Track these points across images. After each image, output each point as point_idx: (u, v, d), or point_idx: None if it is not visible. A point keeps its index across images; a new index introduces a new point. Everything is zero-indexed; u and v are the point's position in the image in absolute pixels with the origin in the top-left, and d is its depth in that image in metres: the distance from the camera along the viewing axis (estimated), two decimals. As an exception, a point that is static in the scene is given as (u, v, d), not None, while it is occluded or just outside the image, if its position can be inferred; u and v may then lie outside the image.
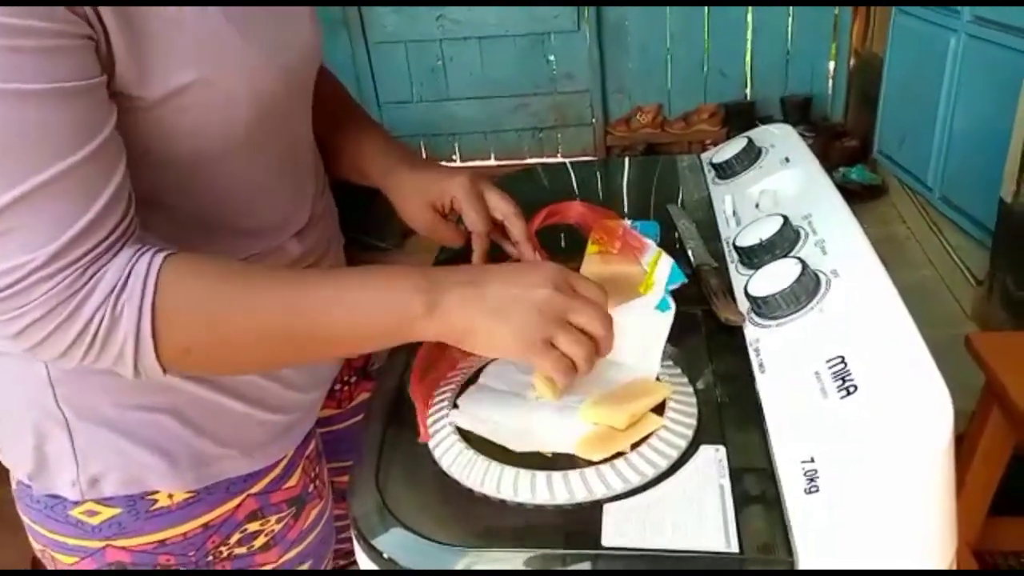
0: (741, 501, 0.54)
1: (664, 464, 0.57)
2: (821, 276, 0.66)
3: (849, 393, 0.54)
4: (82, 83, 0.49)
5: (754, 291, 0.68)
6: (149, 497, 0.65)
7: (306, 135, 0.74)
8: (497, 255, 0.79)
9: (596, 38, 3.61)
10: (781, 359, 0.63)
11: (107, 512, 0.65)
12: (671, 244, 0.86)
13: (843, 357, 0.57)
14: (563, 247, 0.86)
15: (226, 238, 0.64)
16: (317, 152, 0.78)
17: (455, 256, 0.83)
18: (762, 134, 0.99)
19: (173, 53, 0.53)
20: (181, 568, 0.67)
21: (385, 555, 0.54)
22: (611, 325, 0.59)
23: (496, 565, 0.53)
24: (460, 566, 0.53)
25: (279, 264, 0.68)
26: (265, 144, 0.64)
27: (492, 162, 3.94)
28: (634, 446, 0.59)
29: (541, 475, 0.57)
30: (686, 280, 0.73)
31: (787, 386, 0.60)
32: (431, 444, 0.62)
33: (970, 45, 2.44)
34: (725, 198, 0.90)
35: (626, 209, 1.02)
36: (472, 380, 0.68)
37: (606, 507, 0.55)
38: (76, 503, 0.64)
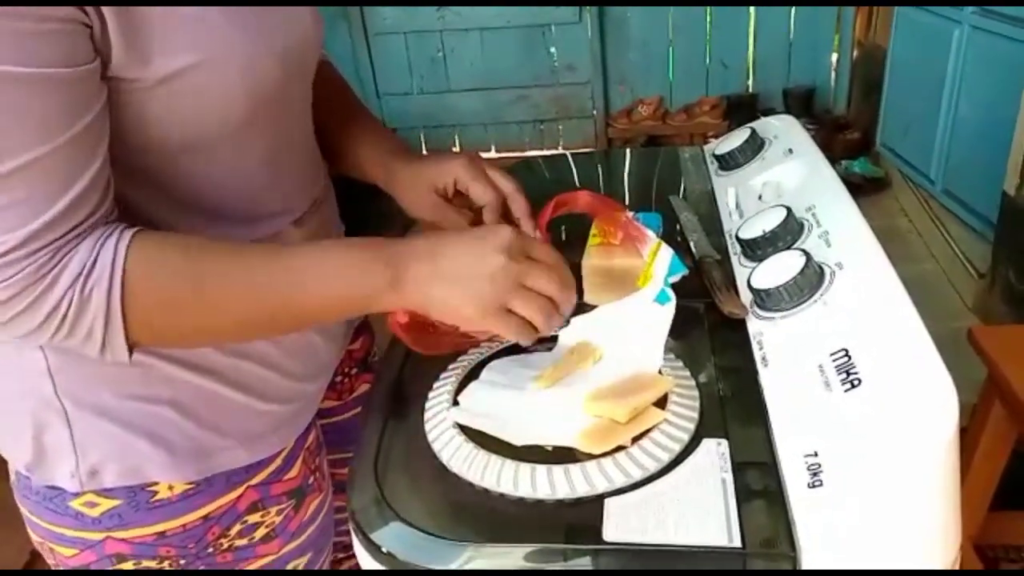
0: (744, 495, 0.53)
1: (666, 458, 0.57)
2: (825, 268, 0.65)
3: (853, 386, 0.54)
4: (69, 70, 0.48)
5: (757, 284, 0.67)
6: (149, 488, 0.65)
7: (305, 122, 0.73)
8: None
9: (597, 30, 3.59)
10: (784, 352, 0.62)
11: (107, 503, 0.64)
12: (673, 236, 0.85)
13: (847, 350, 0.57)
14: (565, 239, 0.85)
15: (225, 224, 0.64)
16: (314, 138, 0.77)
17: None
18: (765, 125, 0.99)
19: (170, 37, 0.53)
20: (181, 559, 0.67)
21: (384, 549, 0.54)
22: (569, 283, 0.61)
23: (496, 560, 0.52)
24: (460, 561, 0.52)
25: None
26: (264, 130, 0.64)
27: (493, 154, 3.93)
28: (635, 440, 0.58)
29: (542, 469, 0.56)
30: (687, 271, 0.72)
31: (790, 379, 0.60)
32: (431, 438, 0.61)
33: (974, 37, 2.42)
34: (728, 190, 0.89)
35: (627, 201, 1.01)
36: (473, 375, 0.68)
37: (607, 501, 0.54)
38: (76, 494, 0.64)
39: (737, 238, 0.77)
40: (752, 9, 3.56)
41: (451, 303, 0.59)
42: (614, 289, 0.72)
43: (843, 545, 0.50)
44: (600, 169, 1.22)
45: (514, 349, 0.70)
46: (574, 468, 0.56)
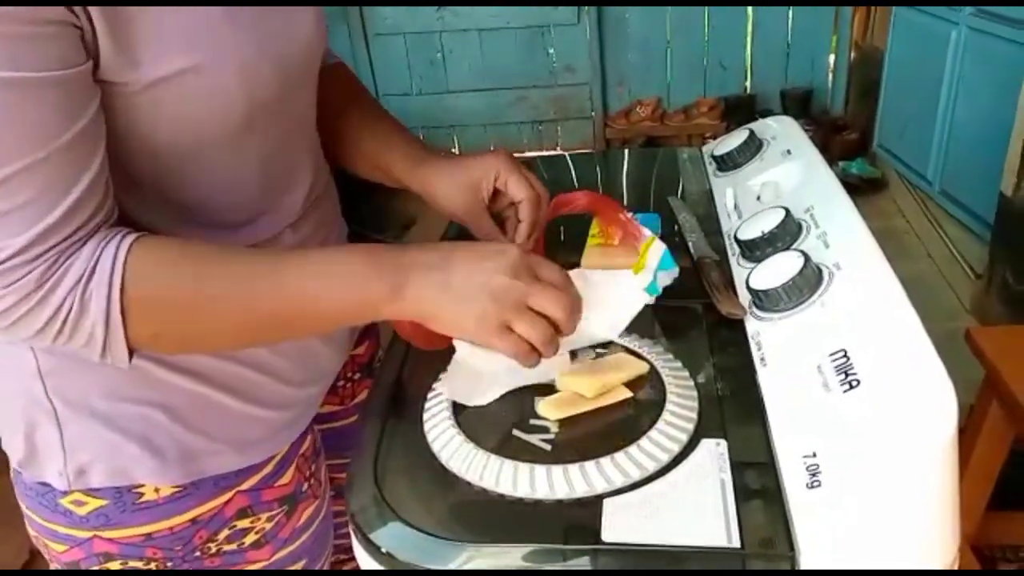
0: (742, 495, 0.54)
1: (665, 458, 0.57)
2: (823, 269, 0.65)
3: (852, 387, 0.54)
4: (62, 72, 0.48)
5: (755, 284, 0.67)
6: (135, 490, 0.64)
7: (307, 127, 0.73)
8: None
9: (596, 31, 3.60)
10: (783, 352, 0.62)
11: (94, 503, 0.64)
12: (672, 237, 0.85)
13: (845, 351, 0.57)
14: (562, 240, 0.85)
15: (220, 228, 0.64)
16: (318, 143, 0.76)
17: (462, 233, 0.80)
18: (763, 126, 0.99)
19: (161, 40, 0.52)
20: (168, 561, 0.67)
21: (383, 549, 0.54)
22: (574, 307, 0.60)
23: (495, 560, 0.52)
24: (459, 561, 0.52)
25: None
26: (263, 136, 0.63)
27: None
28: (635, 439, 0.58)
29: (540, 469, 0.56)
30: (676, 268, 0.72)
31: (789, 380, 0.60)
32: (430, 438, 0.61)
33: (971, 38, 2.43)
34: (726, 191, 0.89)
35: (626, 201, 1.01)
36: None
37: (606, 501, 0.54)
38: (64, 492, 0.64)
39: (735, 239, 0.77)
40: (750, 10, 3.57)
41: (451, 317, 0.58)
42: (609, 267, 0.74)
43: (842, 545, 0.50)
44: (599, 170, 1.22)
45: None
46: (573, 468, 0.56)
